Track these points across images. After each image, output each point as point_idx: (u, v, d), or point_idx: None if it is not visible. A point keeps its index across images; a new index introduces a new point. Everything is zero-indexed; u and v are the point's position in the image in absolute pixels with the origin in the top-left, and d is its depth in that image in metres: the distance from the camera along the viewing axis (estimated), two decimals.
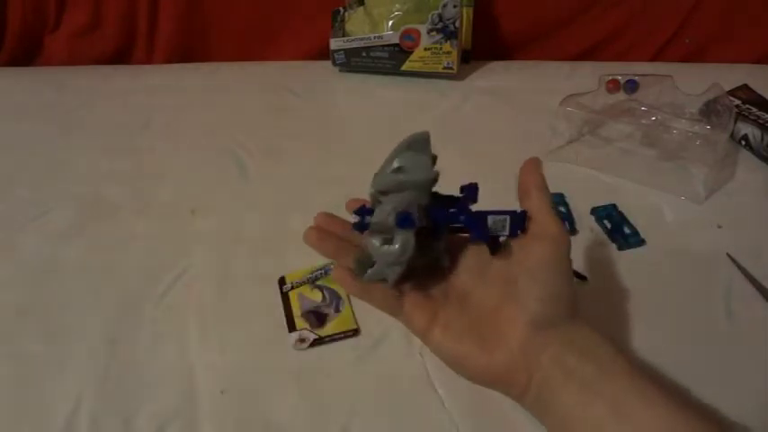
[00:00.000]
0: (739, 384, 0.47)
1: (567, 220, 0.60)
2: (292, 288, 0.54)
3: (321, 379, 0.48)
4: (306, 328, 0.51)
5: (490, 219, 0.37)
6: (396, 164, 0.38)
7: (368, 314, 0.52)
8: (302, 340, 0.50)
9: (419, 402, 0.46)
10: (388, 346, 0.50)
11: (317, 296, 0.54)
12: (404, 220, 0.35)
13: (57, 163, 0.71)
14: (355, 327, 0.51)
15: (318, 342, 0.50)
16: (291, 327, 0.51)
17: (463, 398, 0.46)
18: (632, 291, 0.54)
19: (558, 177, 0.65)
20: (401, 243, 0.36)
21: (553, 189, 0.63)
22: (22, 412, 0.46)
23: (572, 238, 0.58)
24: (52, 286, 0.56)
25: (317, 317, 0.52)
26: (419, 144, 0.38)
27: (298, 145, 0.73)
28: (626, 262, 0.57)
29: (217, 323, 0.52)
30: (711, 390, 0.46)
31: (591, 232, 0.60)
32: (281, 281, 0.55)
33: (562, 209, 0.61)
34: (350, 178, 0.66)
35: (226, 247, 0.59)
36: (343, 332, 0.51)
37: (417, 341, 0.50)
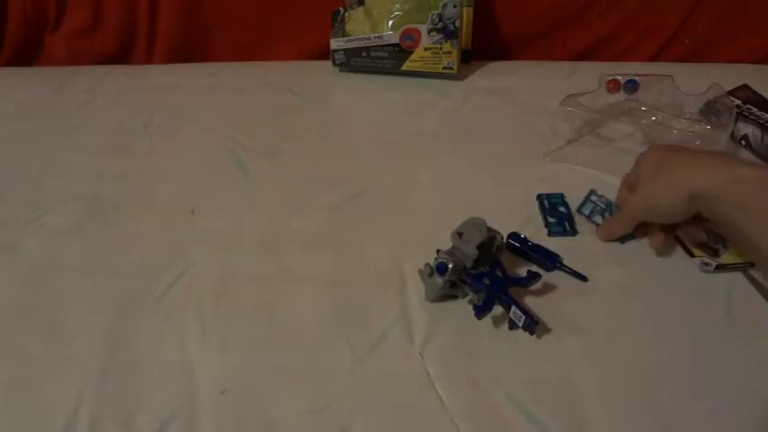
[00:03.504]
0: (739, 384, 0.47)
1: (567, 221, 0.60)
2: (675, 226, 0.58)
3: (321, 379, 0.48)
4: (704, 256, 0.55)
5: (513, 308, 0.49)
6: (459, 229, 0.52)
7: (368, 314, 0.52)
8: (707, 264, 0.55)
9: (419, 402, 0.46)
10: (388, 346, 0.50)
11: (701, 234, 0.57)
12: (438, 268, 0.51)
13: (57, 163, 0.71)
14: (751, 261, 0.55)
15: (720, 268, 0.55)
16: (690, 255, 0.56)
17: (463, 398, 0.46)
18: (632, 290, 0.54)
19: (558, 177, 0.66)
20: (430, 281, 0.52)
21: (553, 189, 0.64)
22: (22, 412, 0.46)
23: (572, 238, 0.59)
24: (52, 286, 0.56)
25: (710, 250, 0.56)
26: (478, 224, 0.52)
27: (298, 145, 0.73)
28: (626, 262, 0.57)
29: (217, 323, 0.52)
30: (711, 389, 0.47)
31: (591, 232, 0.60)
32: None
33: (562, 209, 0.61)
34: (350, 178, 0.67)
35: (226, 247, 0.59)
36: (742, 263, 0.55)
37: (417, 341, 0.50)
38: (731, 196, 0.45)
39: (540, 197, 0.63)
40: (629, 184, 0.57)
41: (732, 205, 0.45)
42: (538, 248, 0.56)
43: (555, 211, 0.61)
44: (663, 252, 0.57)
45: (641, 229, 0.57)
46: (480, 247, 0.50)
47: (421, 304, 0.53)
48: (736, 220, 0.45)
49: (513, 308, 0.49)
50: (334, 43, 0.83)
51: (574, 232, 0.59)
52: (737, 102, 0.71)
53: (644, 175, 0.54)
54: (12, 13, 0.89)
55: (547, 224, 0.60)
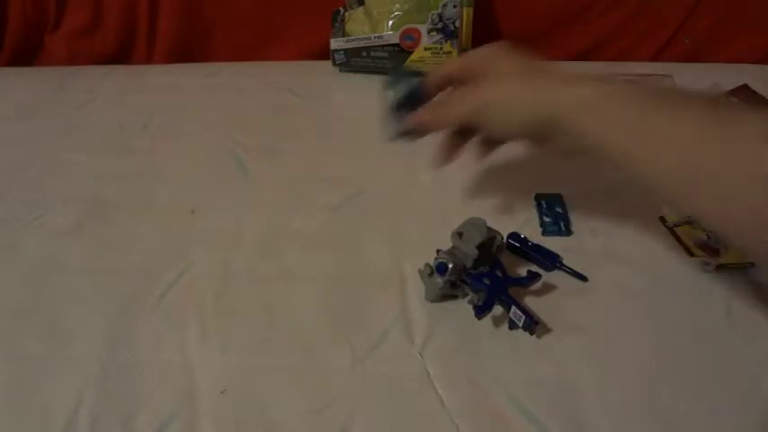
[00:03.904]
0: (739, 384, 0.47)
1: (563, 221, 0.60)
2: (675, 225, 0.58)
3: (321, 379, 0.48)
4: (704, 256, 0.56)
5: (513, 308, 0.49)
6: (459, 229, 0.52)
7: (368, 314, 0.52)
8: (707, 264, 0.55)
9: (419, 402, 0.46)
10: (388, 346, 0.50)
11: (701, 234, 0.57)
12: (438, 268, 0.51)
13: (57, 163, 0.71)
14: (752, 261, 0.55)
15: (721, 268, 0.55)
16: (690, 254, 0.56)
17: (463, 398, 0.46)
18: (632, 290, 0.54)
19: (559, 177, 0.66)
20: (430, 281, 0.52)
21: (552, 189, 0.64)
22: (22, 412, 0.46)
23: (568, 238, 0.59)
24: (52, 286, 0.56)
25: (710, 250, 0.56)
26: (478, 224, 0.52)
27: (298, 145, 0.73)
28: (626, 262, 0.57)
29: (217, 323, 0.52)
30: (711, 389, 0.47)
31: (591, 231, 0.60)
32: (662, 219, 0.59)
33: (558, 209, 0.61)
34: (350, 178, 0.67)
35: (226, 247, 0.59)
36: (742, 263, 0.55)
37: (417, 341, 0.50)
38: (606, 113, 0.40)
39: (537, 197, 0.63)
40: (468, 70, 0.48)
41: (607, 124, 0.40)
42: (538, 248, 0.56)
43: (551, 211, 0.61)
44: (663, 251, 0.57)
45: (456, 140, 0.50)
46: (480, 247, 0.50)
47: (421, 304, 0.53)
48: (614, 141, 0.40)
49: (513, 308, 0.49)
50: (334, 43, 0.83)
51: (568, 232, 0.59)
52: (737, 102, 0.71)
53: (505, 72, 0.46)
54: (12, 13, 0.89)
55: (542, 224, 0.60)
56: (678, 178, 0.37)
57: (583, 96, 0.40)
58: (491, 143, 0.52)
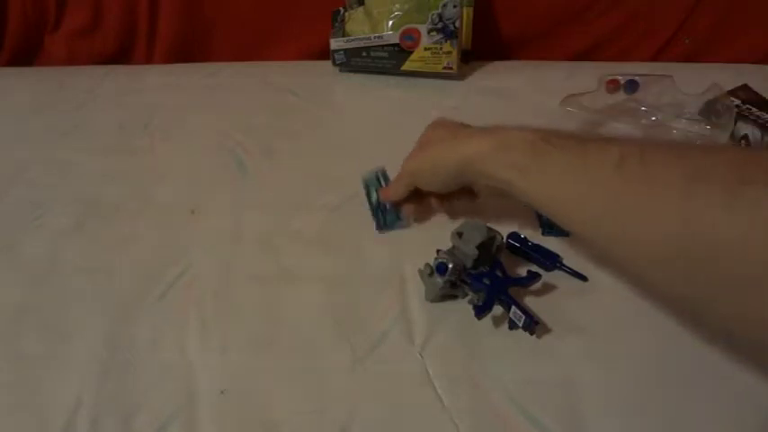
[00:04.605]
0: (740, 384, 0.47)
1: None
2: None
3: (321, 379, 0.48)
4: None
5: (513, 308, 0.49)
6: (459, 229, 0.52)
7: (368, 314, 0.52)
8: None
9: (419, 402, 0.46)
10: (388, 346, 0.50)
11: None
12: (438, 268, 0.51)
13: (57, 163, 0.71)
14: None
15: None
16: None
17: (463, 398, 0.46)
18: (632, 290, 0.54)
19: None
20: (430, 281, 0.52)
21: None
22: (22, 412, 0.46)
23: (568, 238, 0.59)
24: (52, 286, 0.56)
25: None
26: (478, 224, 0.52)
27: (298, 145, 0.73)
28: None
29: (217, 323, 0.52)
30: (712, 389, 0.47)
31: None
32: None
33: None
34: (350, 178, 0.67)
35: (226, 247, 0.59)
36: None
37: (417, 341, 0.50)
38: (501, 156, 0.46)
39: None
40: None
41: (502, 165, 0.46)
42: (538, 248, 0.56)
43: None
44: None
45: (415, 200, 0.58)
46: (480, 247, 0.50)
47: (421, 304, 0.53)
48: (508, 178, 0.46)
49: (513, 308, 0.49)
50: (334, 43, 0.83)
51: (569, 232, 0.59)
52: (737, 102, 0.71)
53: (429, 142, 0.55)
54: (12, 13, 0.89)
55: (542, 224, 0.60)
56: (557, 207, 0.44)
57: (481, 146, 0.48)
58: (441, 199, 0.58)
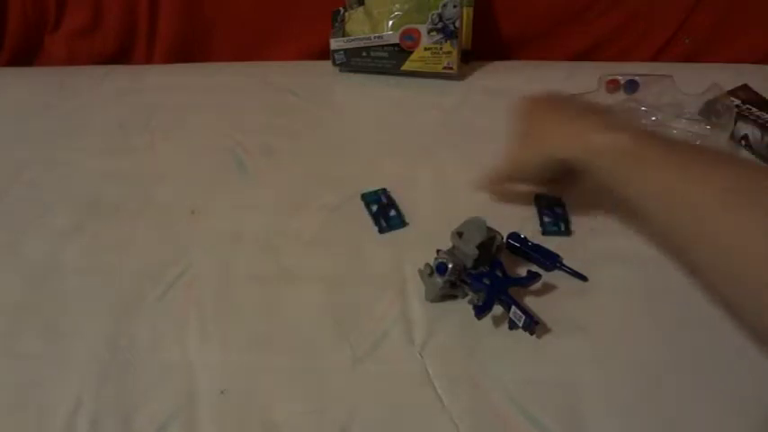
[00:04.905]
0: (740, 384, 0.47)
1: (563, 221, 0.60)
2: None
3: (321, 379, 0.48)
4: None
5: (513, 308, 0.49)
6: (459, 229, 0.52)
7: (368, 314, 0.52)
8: None
9: (419, 402, 0.46)
10: (388, 346, 0.50)
11: None
12: (438, 268, 0.51)
13: (57, 163, 0.71)
14: None
15: None
16: None
17: (463, 398, 0.46)
18: (632, 289, 0.54)
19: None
20: (430, 281, 0.52)
21: (552, 190, 0.64)
22: (22, 412, 0.46)
23: (568, 238, 0.59)
24: (52, 286, 0.56)
25: None
26: (478, 224, 0.52)
27: (298, 145, 0.73)
28: (626, 261, 0.57)
29: (217, 323, 0.52)
30: (712, 389, 0.47)
31: (591, 231, 0.60)
32: None
33: (558, 209, 0.61)
34: (349, 178, 0.67)
35: (226, 247, 0.59)
36: None
37: (417, 341, 0.50)
38: (595, 165, 0.47)
39: (537, 197, 0.63)
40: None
41: (601, 171, 0.47)
42: (538, 248, 0.56)
43: (551, 211, 0.61)
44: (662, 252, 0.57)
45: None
46: (480, 247, 0.50)
47: (421, 304, 0.53)
48: (609, 182, 0.47)
49: (513, 308, 0.49)
50: (334, 43, 0.83)
51: (568, 232, 0.59)
52: (737, 102, 0.71)
53: (518, 136, 0.57)
54: (12, 13, 0.88)
55: (542, 224, 0.60)
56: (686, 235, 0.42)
57: (575, 153, 0.49)
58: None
